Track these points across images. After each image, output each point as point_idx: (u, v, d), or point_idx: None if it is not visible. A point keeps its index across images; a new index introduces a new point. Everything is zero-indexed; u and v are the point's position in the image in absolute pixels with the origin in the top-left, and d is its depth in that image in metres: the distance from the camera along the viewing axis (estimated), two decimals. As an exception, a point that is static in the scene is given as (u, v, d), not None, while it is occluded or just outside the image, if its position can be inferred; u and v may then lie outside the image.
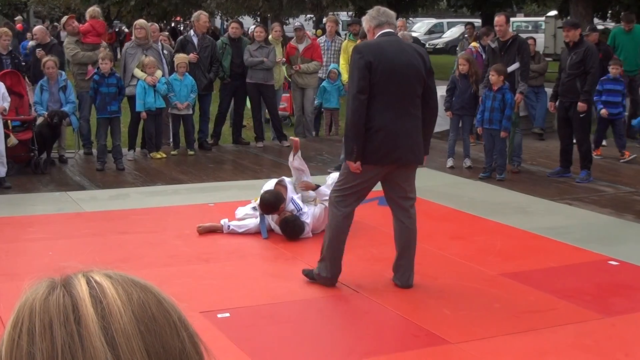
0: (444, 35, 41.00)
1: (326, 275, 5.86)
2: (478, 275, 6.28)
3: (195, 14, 12.71)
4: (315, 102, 13.43)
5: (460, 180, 10.15)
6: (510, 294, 5.83)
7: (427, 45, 35.49)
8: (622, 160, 11.25)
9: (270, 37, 12.94)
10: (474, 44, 14.14)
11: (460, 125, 10.89)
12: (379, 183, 5.93)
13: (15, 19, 29.08)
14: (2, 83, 9.45)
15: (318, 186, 7.59)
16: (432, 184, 9.71)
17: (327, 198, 7.19)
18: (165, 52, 11.84)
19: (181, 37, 13.53)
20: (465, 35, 17.42)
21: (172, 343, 0.91)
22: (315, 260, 6.28)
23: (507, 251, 6.96)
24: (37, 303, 0.90)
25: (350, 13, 35.86)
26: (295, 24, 14.08)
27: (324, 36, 14.10)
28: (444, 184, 9.86)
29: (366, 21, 5.97)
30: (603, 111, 11.08)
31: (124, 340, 0.87)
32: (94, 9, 12.12)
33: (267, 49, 12.30)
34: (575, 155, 10.14)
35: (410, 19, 31.73)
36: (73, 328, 0.87)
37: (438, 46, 38.12)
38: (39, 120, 10.37)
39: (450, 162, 10.90)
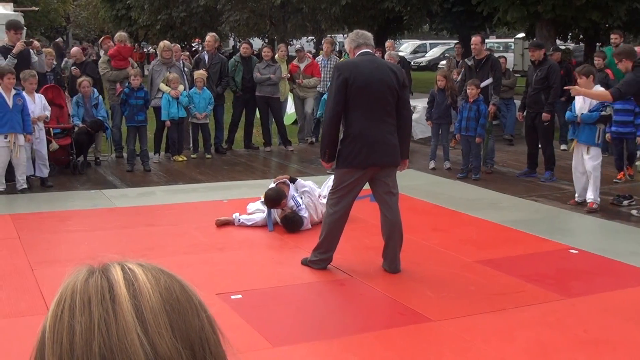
0: (426, 55, 40.90)
1: (318, 261, 5.93)
2: (456, 262, 6.26)
3: (207, 36, 12.73)
4: (318, 113, 13.47)
5: (441, 179, 10.12)
6: (484, 278, 5.81)
7: (412, 63, 35.51)
8: (615, 180, 9.88)
9: (276, 56, 12.98)
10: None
11: (440, 132, 10.86)
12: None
13: (56, 40, 28.99)
14: (43, 95, 9.43)
15: (294, 180, 7.52)
16: (416, 183, 9.69)
17: (306, 189, 7.24)
18: (186, 69, 11.83)
19: (196, 56, 13.62)
20: (448, 54, 17.42)
21: (193, 322, 0.92)
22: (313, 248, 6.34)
23: (481, 241, 6.94)
24: (79, 284, 0.91)
25: (346, 35, 35.99)
26: (296, 47, 14.08)
27: (321, 55, 14.09)
28: (426, 183, 9.83)
29: (347, 43, 6.07)
30: (607, 136, 9.58)
31: (152, 316, 0.89)
32: (120, 34, 12.07)
33: (273, 66, 12.33)
34: (540, 159, 10.13)
35: (398, 40, 31.63)
36: (109, 305, 0.88)
37: (422, 64, 38.03)
38: (77, 128, 10.37)
39: (432, 164, 10.88)
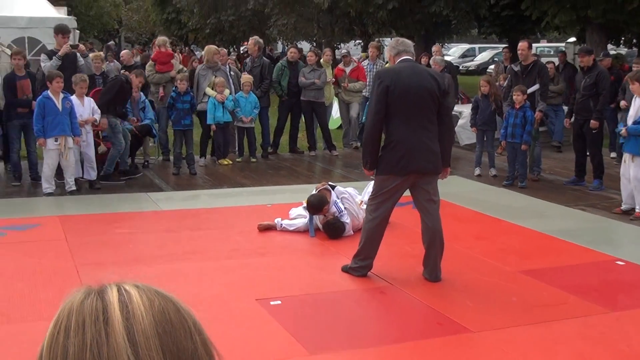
0: (475, 59, 40.53)
1: (358, 268, 5.93)
2: (498, 271, 6.19)
3: (249, 40, 12.86)
4: (363, 118, 13.46)
5: (486, 187, 10.01)
6: (526, 289, 5.73)
7: (460, 68, 35.19)
8: None
9: (322, 60, 13.01)
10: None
11: (485, 138, 10.75)
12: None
13: (108, 43, 29.59)
14: (92, 99, 9.61)
15: (333, 187, 7.51)
16: (461, 190, 9.61)
17: (345, 195, 7.22)
18: (232, 73, 11.94)
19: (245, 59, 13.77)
20: (497, 59, 17.23)
21: (185, 344, 0.94)
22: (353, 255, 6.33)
23: (525, 251, 6.85)
24: (75, 305, 0.94)
25: (394, 39, 35.82)
26: (342, 51, 14.08)
27: (367, 59, 14.06)
28: (471, 190, 9.74)
29: (387, 50, 6.08)
30: None
31: (144, 339, 0.91)
32: (160, 39, 12.26)
33: (318, 71, 12.37)
34: (589, 166, 9.95)
35: (446, 44, 31.39)
36: (101, 327, 0.91)
37: (470, 68, 37.70)
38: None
39: (477, 171, 10.77)
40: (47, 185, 8.91)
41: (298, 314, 5.15)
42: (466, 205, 8.68)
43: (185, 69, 12.57)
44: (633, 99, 8.50)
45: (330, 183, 7.62)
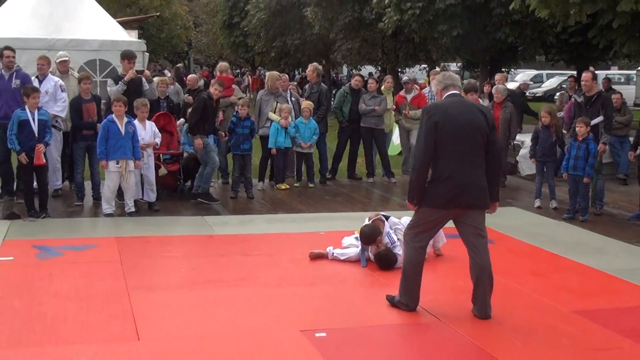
0: (543, 85, 39.89)
1: (406, 302, 5.87)
2: (551, 311, 6.00)
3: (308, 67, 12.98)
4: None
5: (545, 220, 9.76)
6: (580, 331, 5.54)
7: (527, 94, 34.63)
8: None
9: (382, 87, 13.02)
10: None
11: (545, 170, 10.51)
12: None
13: (177, 65, 30.25)
14: (153, 122, 9.83)
15: (387, 217, 7.45)
16: (518, 222, 9.42)
17: (399, 227, 7.15)
18: (293, 99, 12.05)
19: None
20: (565, 85, 16.89)
21: None
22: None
23: (581, 289, 6.64)
24: None
25: (458, 64, 35.54)
26: (404, 79, 14.04)
27: (429, 87, 14.00)
28: (529, 222, 9.52)
29: (434, 85, 6.11)
30: None
31: None
32: (221, 65, 12.49)
33: (379, 98, 12.38)
34: (655, 201, 9.63)
35: (512, 70, 30.99)
36: None
37: (537, 94, 37.10)
38: (185, 154, 10.74)
39: (537, 203, 10.54)
40: (107, 206, 9.12)
41: (342, 348, 5.10)
42: (523, 239, 8.49)
43: (245, 95, 12.76)
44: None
45: (383, 213, 7.57)
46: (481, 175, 5.64)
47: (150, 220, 9.08)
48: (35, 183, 9.04)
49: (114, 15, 32.39)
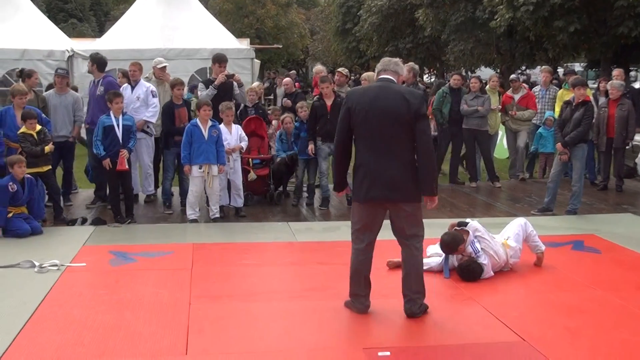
0: (678, 84, 37.13)
1: (351, 303, 5.63)
2: (658, 332, 5.20)
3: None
4: (532, 147, 12.62)
5: (665, 227, 8.75)
6: (689, 358, 4.73)
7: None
8: None
9: (487, 87, 12.29)
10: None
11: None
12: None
13: (290, 72, 30.37)
14: (239, 126, 9.59)
15: (465, 223, 6.76)
16: (632, 230, 8.52)
17: (479, 233, 6.51)
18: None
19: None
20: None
21: None
22: (493, 301, 5.87)
23: (698, 308, 5.75)
24: None
25: (582, 64, 33.63)
26: (511, 77, 13.22)
27: (539, 85, 13.09)
28: (645, 231, 8.56)
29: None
30: None
31: None
32: (316, 68, 12.16)
33: (482, 98, 11.64)
34: None
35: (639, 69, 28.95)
36: None
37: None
38: (277, 159, 10.45)
39: (657, 208, 9.52)
40: (191, 211, 8.93)
41: (404, 370, 4.55)
42: (635, 249, 7.57)
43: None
44: None
45: (465, 220, 6.85)
46: (401, 166, 5.17)
47: (233, 226, 8.82)
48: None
49: (232, 26, 33.12)
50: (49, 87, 11.28)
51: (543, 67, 13.91)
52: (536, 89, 13.09)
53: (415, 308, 5.46)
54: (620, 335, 5.13)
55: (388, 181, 5.20)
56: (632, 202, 10.52)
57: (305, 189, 10.58)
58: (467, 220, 6.80)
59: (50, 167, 8.86)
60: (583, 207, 9.83)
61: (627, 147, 11.52)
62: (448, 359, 4.77)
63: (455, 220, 6.89)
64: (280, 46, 36.90)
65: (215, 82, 9.87)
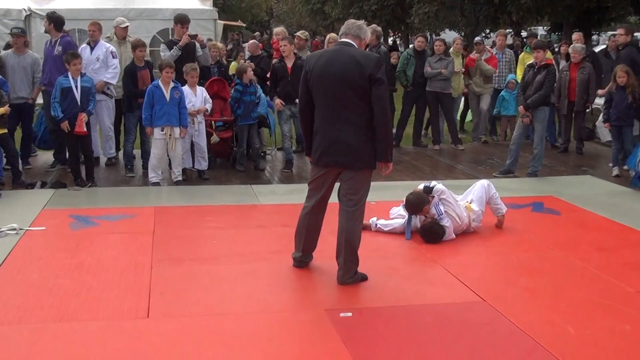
0: None
1: (294, 259, 5.77)
2: (615, 291, 5.29)
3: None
4: (494, 110, 12.71)
5: (623, 189, 8.88)
6: (644, 316, 4.83)
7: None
8: None
9: (451, 50, 12.29)
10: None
11: (622, 134, 9.57)
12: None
13: (254, 34, 30.02)
14: (204, 88, 9.45)
15: (431, 189, 6.72)
16: (591, 192, 8.62)
17: (444, 196, 6.59)
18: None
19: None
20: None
21: None
22: (454, 262, 5.95)
23: (653, 267, 5.87)
24: None
25: (546, 27, 33.80)
26: (476, 39, 13.22)
27: (494, 48, 13.18)
28: (604, 192, 8.68)
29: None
30: None
31: None
32: (276, 29, 12.14)
33: (446, 60, 11.63)
34: None
35: (600, 33, 29.19)
36: None
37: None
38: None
39: (615, 171, 9.65)
40: (153, 174, 8.83)
41: (366, 329, 4.57)
42: (594, 210, 7.71)
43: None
44: None
45: (429, 185, 6.81)
46: (352, 132, 5.14)
47: (196, 189, 8.75)
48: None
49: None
50: (7, 46, 10.97)
51: (499, 30, 13.92)
52: (493, 51, 13.17)
53: (346, 277, 5.40)
54: (578, 294, 5.22)
55: (342, 147, 5.17)
56: (591, 164, 10.68)
57: (270, 152, 10.50)
58: (433, 182, 6.81)
59: (6, 130, 8.61)
60: (544, 169, 9.94)
61: (587, 111, 11.65)
62: (409, 318, 4.80)
63: (421, 186, 6.88)
64: (245, 25, 36.26)
65: (180, 43, 9.71)
